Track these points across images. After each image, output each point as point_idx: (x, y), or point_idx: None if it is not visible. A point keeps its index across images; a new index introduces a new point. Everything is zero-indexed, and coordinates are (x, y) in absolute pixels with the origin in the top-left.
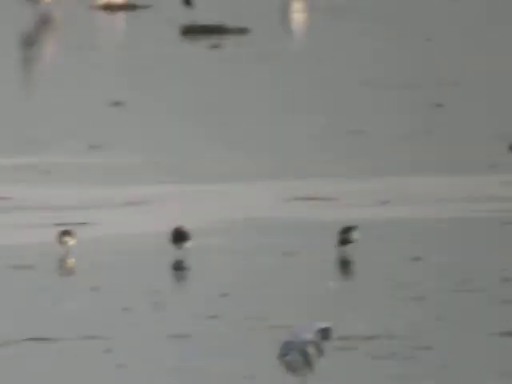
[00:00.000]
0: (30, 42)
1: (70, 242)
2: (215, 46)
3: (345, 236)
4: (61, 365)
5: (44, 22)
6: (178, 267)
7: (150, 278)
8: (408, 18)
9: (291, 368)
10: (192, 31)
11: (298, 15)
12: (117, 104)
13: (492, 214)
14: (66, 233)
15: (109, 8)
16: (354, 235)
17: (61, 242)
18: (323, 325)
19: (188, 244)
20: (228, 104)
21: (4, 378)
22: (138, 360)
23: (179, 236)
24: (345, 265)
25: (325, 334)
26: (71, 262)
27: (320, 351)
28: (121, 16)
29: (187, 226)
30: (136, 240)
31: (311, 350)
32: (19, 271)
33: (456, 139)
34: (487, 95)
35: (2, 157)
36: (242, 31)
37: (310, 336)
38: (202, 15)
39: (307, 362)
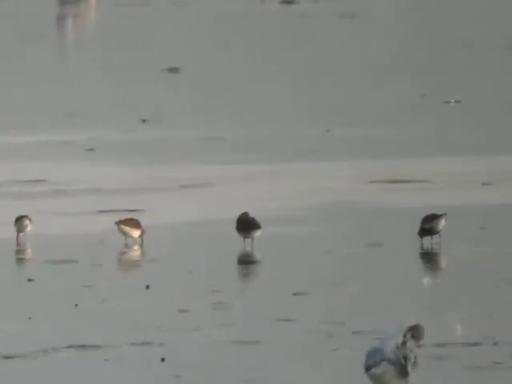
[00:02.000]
0: None
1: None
2: (288, 2)
3: (430, 225)
4: (108, 376)
5: None
6: (245, 261)
7: (212, 273)
8: None
9: (381, 382)
10: None
11: None
12: (172, 70)
13: None
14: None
15: None
16: (441, 224)
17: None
18: (412, 323)
19: (257, 233)
20: (306, 66)
21: None
22: (196, 371)
23: (246, 224)
24: (432, 259)
25: (415, 332)
26: (128, 256)
27: (413, 359)
28: None
29: (256, 212)
30: (196, 229)
31: (403, 358)
32: (60, 266)
33: None
34: None
35: (38, 132)
36: None
37: (399, 341)
38: None
39: (399, 373)
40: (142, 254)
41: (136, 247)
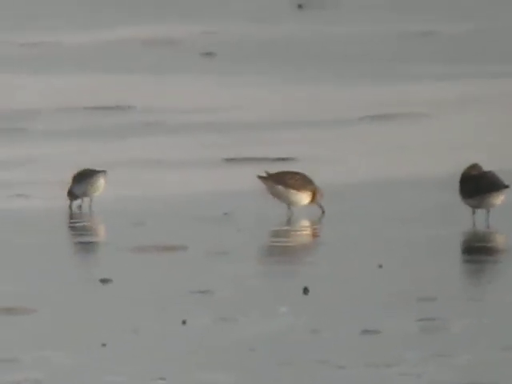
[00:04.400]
0: None
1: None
2: None
3: None
4: None
5: None
6: (475, 249)
7: (411, 270)
8: None
9: None
10: None
11: None
12: None
13: None
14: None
15: None
16: None
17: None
18: None
19: (498, 199)
20: None
21: None
22: None
23: (481, 183)
24: None
25: None
26: (286, 239)
27: None
28: None
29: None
30: (401, 188)
31: None
32: (154, 257)
33: None
34: None
35: (114, 24)
36: None
37: None
38: None
39: None
40: (314, 234)
41: (304, 222)
